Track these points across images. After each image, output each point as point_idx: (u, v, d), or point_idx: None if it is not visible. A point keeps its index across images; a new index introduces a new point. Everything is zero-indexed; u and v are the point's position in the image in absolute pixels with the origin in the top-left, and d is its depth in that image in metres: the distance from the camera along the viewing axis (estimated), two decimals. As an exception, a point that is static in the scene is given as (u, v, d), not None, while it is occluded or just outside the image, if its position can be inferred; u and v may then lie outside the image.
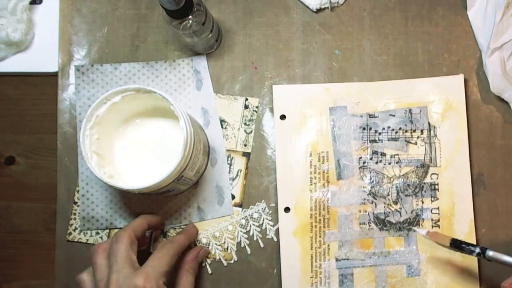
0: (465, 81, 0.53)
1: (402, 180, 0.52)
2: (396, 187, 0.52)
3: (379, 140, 0.52)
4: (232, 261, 0.53)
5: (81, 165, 0.54)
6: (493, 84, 0.51)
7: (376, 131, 0.53)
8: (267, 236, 0.53)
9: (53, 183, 0.55)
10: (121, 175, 0.49)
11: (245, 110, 0.54)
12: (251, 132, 0.54)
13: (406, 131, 0.52)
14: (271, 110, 0.54)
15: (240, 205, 0.53)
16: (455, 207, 0.51)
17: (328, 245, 0.51)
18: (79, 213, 0.54)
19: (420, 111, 0.52)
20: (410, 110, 0.53)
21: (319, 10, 0.55)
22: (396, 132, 0.52)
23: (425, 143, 0.52)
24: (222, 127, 0.54)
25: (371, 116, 0.53)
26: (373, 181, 0.52)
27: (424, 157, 0.52)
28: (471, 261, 0.50)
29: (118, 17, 0.56)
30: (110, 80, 0.55)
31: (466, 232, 0.51)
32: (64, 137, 0.55)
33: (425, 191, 0.52)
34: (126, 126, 0.51)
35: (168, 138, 0.51)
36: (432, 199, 0.52)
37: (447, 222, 0.51)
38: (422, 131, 0.52)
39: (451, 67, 0.54)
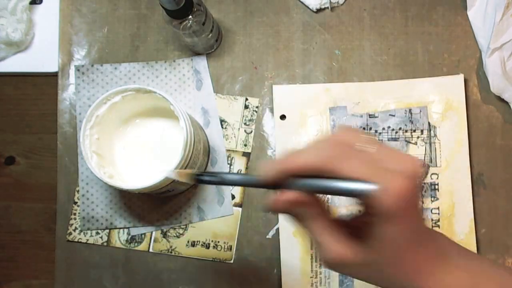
0: (465, 81, 0.52)
1: (402, 180, 0.52)
2: (396, 187, 0.52)
3: (379, 140, 0.52)
4: (232, 261, 0.53)
5: (81, 165, 0.54)
6: (493, 84, 0.51)
7: (376, 131, 0.53)
8: (267, 236, 0.53)
9: (53, 183, 0.55)
10: (121, 175, 0.49)
11: (245, 110, 0.54)
12: (251, 132, 0.54)
13: (406, 131, 0.52)
14: (271, 110, 0.54)
15: (240, 205, 0.53)
16: (455, 207, 0.51)
17: (328, 245, 0.51)
18: (79, 213, 0.54)
19: (420, 111, 0.52)
20: (410, 110, 0.53)
21: (319, 10, 0.55)
22: (396, 132, 0.52)
23: (425, 143, 0.52)
24: (222, 127, 0.54)
25: (371, 116, 0.53)
26: (373, 181, 0.52)
27: (424, 157, 0.52)
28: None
29: (118, 17, 0.56)
30: (110, 80, 0.55)
31: (466, 232, 0.51)
32: (64, 137, 0.55)
33: (425, 191, 0.52)
34: (126, 126, 0.51)
35: (168, 138, 0.51)
36: (432, 199, 0.52)
37: (447, 222, 0.51)
38: (422, 131, 0.52)
39: (451, 67, 0.54)
